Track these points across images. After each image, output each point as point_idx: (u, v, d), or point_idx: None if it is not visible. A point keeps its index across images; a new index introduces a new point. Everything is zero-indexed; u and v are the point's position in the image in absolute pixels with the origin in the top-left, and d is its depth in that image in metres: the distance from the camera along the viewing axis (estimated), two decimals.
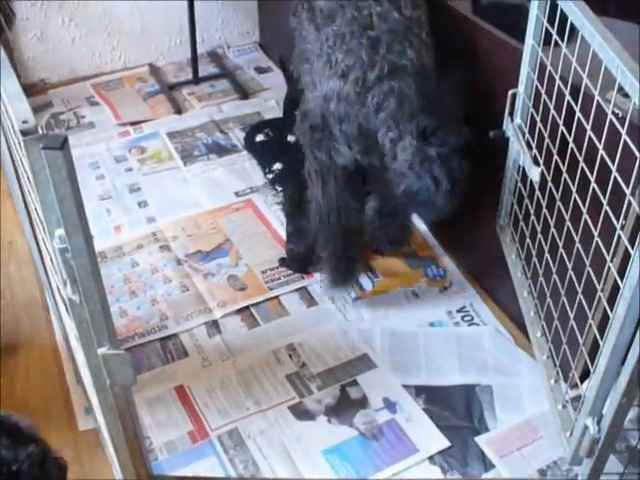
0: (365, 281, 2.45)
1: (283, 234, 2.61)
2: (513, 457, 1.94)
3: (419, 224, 2.66)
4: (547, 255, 1.65)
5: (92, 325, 1.12)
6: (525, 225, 1.81)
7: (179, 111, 3.28)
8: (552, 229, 1.59)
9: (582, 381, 1.63)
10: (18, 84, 1.13)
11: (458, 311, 2.37)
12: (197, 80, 3.47)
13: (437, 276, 2.48)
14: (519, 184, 1.83)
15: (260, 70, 3.60)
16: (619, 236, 1.32)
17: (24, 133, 0.99)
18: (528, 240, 1.78)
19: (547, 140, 1.59)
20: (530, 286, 1.80)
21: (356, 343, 2.25)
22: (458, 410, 2.06)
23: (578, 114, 1.44)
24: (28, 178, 1.35)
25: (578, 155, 1.45)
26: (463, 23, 2.12)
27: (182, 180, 2.90)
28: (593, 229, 1.40)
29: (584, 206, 1.43)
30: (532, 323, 1.75)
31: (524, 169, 1.75)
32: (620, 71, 1.21)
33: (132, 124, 3.22)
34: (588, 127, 1.39)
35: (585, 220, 1.44)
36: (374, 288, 2.44)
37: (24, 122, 1.01)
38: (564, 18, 1.58)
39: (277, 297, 2.40)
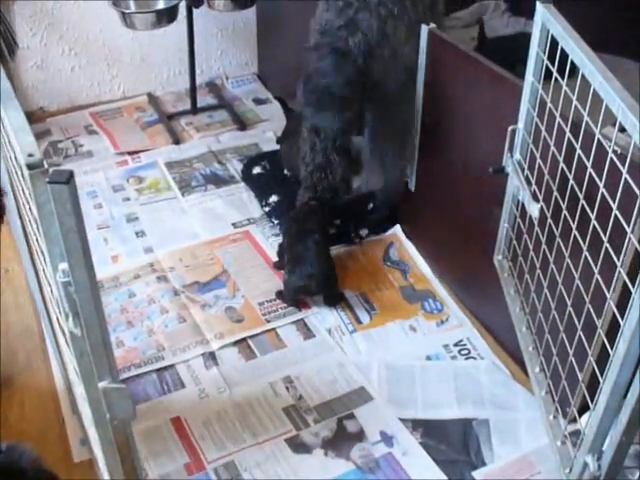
0: (362, 314, 2.45)
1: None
2: None
3: (417, 258, 2.66)
4: (546, 291, 1.66)
5: (93, 359, 1.12)
6: (524, 260, 1.82)
7: (177, 141, 3.29)
8: (551, 265, 1.60)
9: (580, 415, 1.62)
10: (24, 116, 1.13)
11: (455, 345, 2.36)
12: (195, 110, 3.49)
13: (434, 310, 2.49)
14: (518, 219, 1.84)
15: (258, 101, 3.62)
16: (619, 272, 1.32)
17: (30, 167, 0.99)
18: (527, 275, 1.78)
19: (547, 176, 1.60)
20: (529, 321, 1.80)
21: (353, 376, 2.25)
22: (455, 444, 2.05)
23: (578, 151, 1.45)
24: (30, 209, 1.35)
25: (578, 192, 1.46)
26: (464, 59, 2.14)
27: (180, 210, 2.90)
28: (593, 266, 1.41)
29: (584, 243, 1.43)
30: (530, 358, 1.75)
31: (523, 204, 1.76)
32: (621, 110, 1.22)
33: (130, 153, 3.23)
34: (589, 164, 1.40)
35: (585, 256, 1.44)
36: (371, 321, 2.44)
37: (30, 155, 1.01)
38: (564, 54, 1.60)
39: (274, 329, 2.40)
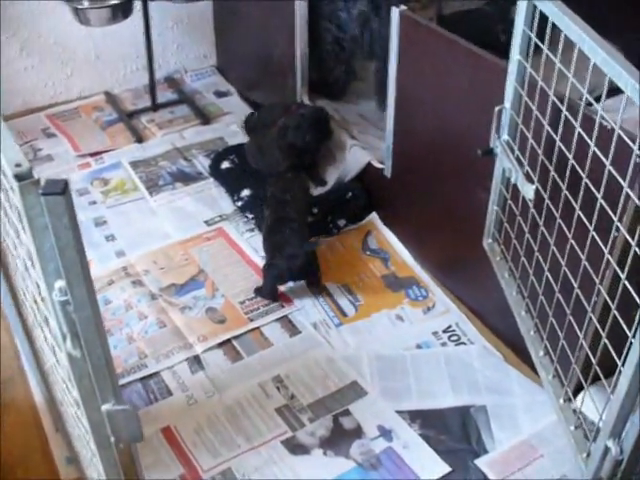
0: (347, 306, 2.40)
1: (258, 262, 2.54)
2: (515, 478, 1.90)
3: (396, 245, 2.61)
4: (547, 274, 1.61)
5: (95, 381, 1.04)
6: (518, 243, 1.77)
7: (140, 139, 3.20)
8: (552, 247, 1.55)
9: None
10: (3, 124, 1.05)
11: (444, 331, 2.32)
12: (156, 107, 3.39)
13: (419, 297, 2.44)
14: (509, 201, 1.79)
15: (219, 94, 3.53)
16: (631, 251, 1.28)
17: (19, 178, 0.91)
18: (523, 259, 1.74)
19: (541, 157, 1.55)
20: (528, 305, 1.75)
21: (344, 370, 2.19)
22: (455, 433, 2.01)
23: (578, 129, 1.40)
24: (8, 222, 1.27)
25: (580, 171, 1.41)
26: (438, 40, 2.08)
27: (149, 211, 2.81)
28: (602, 245, 1.36)
29: (590, 223, 1.39)
30: (533, 342, 1.71)
31: (514, 186, 1.71)
32: (630, 85, 1.17)
33: (92, 155, 3.12)
34: (592, 143, 1.35)
35: (592, 236, 1.40)
36: (357, 312, 2.38)
37: (17, 165, 0.93)
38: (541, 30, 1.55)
39: (258, 328, 2.33)
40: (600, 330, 1.43)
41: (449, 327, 2.33)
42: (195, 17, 3.56)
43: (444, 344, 2.28)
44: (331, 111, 2.86)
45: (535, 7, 1.52)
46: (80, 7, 2.93)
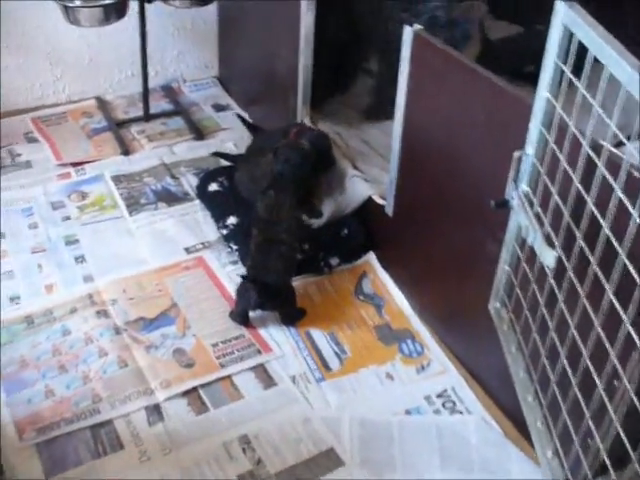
0: (331, 358, 2.14)
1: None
2: None
3: (393, 291, 2.35)
4: (564, 362, 1.34)
5: None
6: (531, 315, 1.50)
7: (127, 151, 2.95)
8: (572, 330, 1.28)
9: None
10: None
11: (438, 396, 2.06)
12: (148, 117, 3.15)
13: (414, 352, 2.18)
14: (523, 263, 1.53)
15: (218, 108, 3.28)
16: None
17: None
18: (535, 335, 1.47)
19: (567, 218, 1.29)
20: (537, 391, 1.48)
21: (321, 434, 1.93)
22: None
23: (618, 192, 1.13)
24: None
25: (617, 246, 1.15)
26: (455, 66, 1.83)
27: (126, 232, 2.56)
28: (636, 338, 1.10)
29: (624, 310, 1.12)
30: (540, 437, 1.43)
31: (530, 246, 1.45)
32: None
33: (74, 165, 2.88)
34: (636, 214, 1.09)
35: (624, 328, 1.13)
36: (342, 367, 2.12)
37: None
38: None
39: (230, 376, 2.07)
40: (621, 432, 1.17)
41: (444, 391, 2.07)
42: (199, 24, 3.32)
43: (437, 411, 2.02)
44: (332, 135, 2.61)
45: (572, 35, 1.26)
46: (70, 5, 2.68)
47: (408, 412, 2.01)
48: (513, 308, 1.61)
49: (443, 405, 2.03)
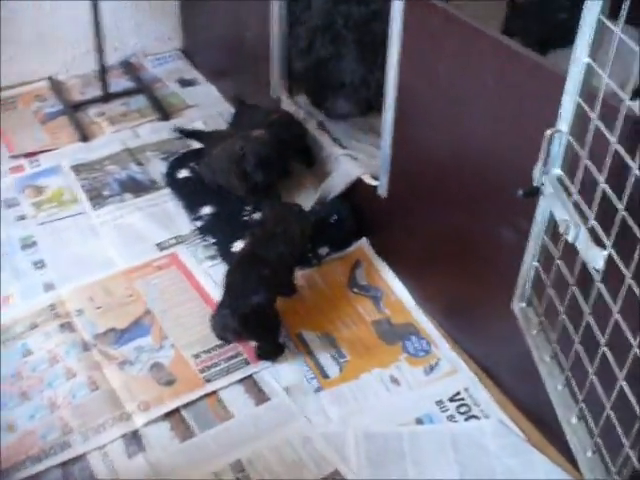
0: (329, 364, 1.91)
1: (218, 298, 2.05)
2: None
3: (392, 281, 2.12)
4: (623, 383, 1.10)
5: None
6: (570, 321, 1.27)
7: (85, 137, 2.68)
8: (636, 349, 1.05)
9: None
10: None
11: (451, 400, 1.84)
12: (107, 97, 2.87)
13: (420, 351, 1.95)
14: (557, 261, 1.29)
15: (184, 83, 3.01)
16: None
17: None
18: (577, 346, 1.24)
19: (622, 212, 1.05)
20: (583, 411, 1.26)
21: (324, 454, 1.71)
22: None
23: None
24: None
25: None
26: (458, 28, 1.58)
27: (89, 230, 2.30)
28: None
29: None
30: (592, 468, 1.21)
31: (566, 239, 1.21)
32: None
33: (27, 156, 2.60)
34: None
35: None
36: (341, 373, 1.89)
37: None
38: None
39: (216, 392, 1.83)
40: None
41: (457, 394, 1.85)
42: None
43: (451, 418, 1.80)
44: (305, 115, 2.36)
45: None
46: None
47: (419, 421, 1.79)
48: (545, 310, 1.38)
49: (457, 409, 1.82)
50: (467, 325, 1.93)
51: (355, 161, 2.20)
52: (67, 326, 1.98)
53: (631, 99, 1.01)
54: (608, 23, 1.05)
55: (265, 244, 1.95)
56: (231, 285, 1.89)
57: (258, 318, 1.85)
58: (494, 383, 1.86)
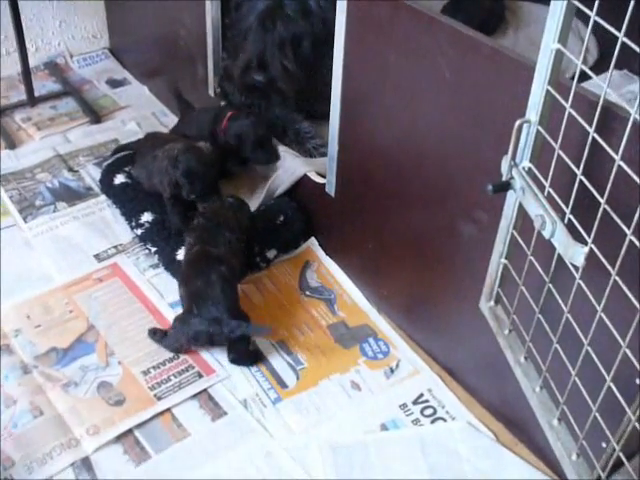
0: (286, 373, 1.82)
1: (164, 309, 1.96)
2: None
3: (344, 281, 2.05)
4: (611, 384, 1.05)
5: None
6: (546, 321, 1.21)
7: (12, 145, 2.53)
8: (624, 349, 0.99)
9: None
10: None
11: (415, 402, 1.78)
12: (33, 101, 2.72)
13: (379, 353, 1.89)
14: (530, 257, 1.23)
15: (114, 83, 2.88)
16: None
17: None
18: (556, 345, 1.18)
19: (604, 205, 0.99)
20: (565, 411, 1.19)
21: (288, 470, 1.63)
22: None
23: None
24: None
25: None
26: (402, 12, 1.51)
27: (22, 243, 2.16)
28: None
29: None
30: (578, 472, 1.15)
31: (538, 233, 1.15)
32: None
33: None
34: None
35: None
36: (299, 381, 1.81)
37: None
38: None
39: (169, 410, 1.73)
40: None
41: (421, 396, 1.79)
42: None
43: (416, 421, 1.74)
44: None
45: None
46: None
47: (384, 427, 1.72)
48: (515, 308, 1.32)
49: (422, 412, 1.75)
50: (427, 325, 1.87)
51: (299, 158, 2.12)
52: (4, 348, 1.85)
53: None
54: (581, 7, 0.98)
55: (213, 238, 1.87)
56: (196, 292, 1.79)
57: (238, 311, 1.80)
58: (458, 383, 1.81)
